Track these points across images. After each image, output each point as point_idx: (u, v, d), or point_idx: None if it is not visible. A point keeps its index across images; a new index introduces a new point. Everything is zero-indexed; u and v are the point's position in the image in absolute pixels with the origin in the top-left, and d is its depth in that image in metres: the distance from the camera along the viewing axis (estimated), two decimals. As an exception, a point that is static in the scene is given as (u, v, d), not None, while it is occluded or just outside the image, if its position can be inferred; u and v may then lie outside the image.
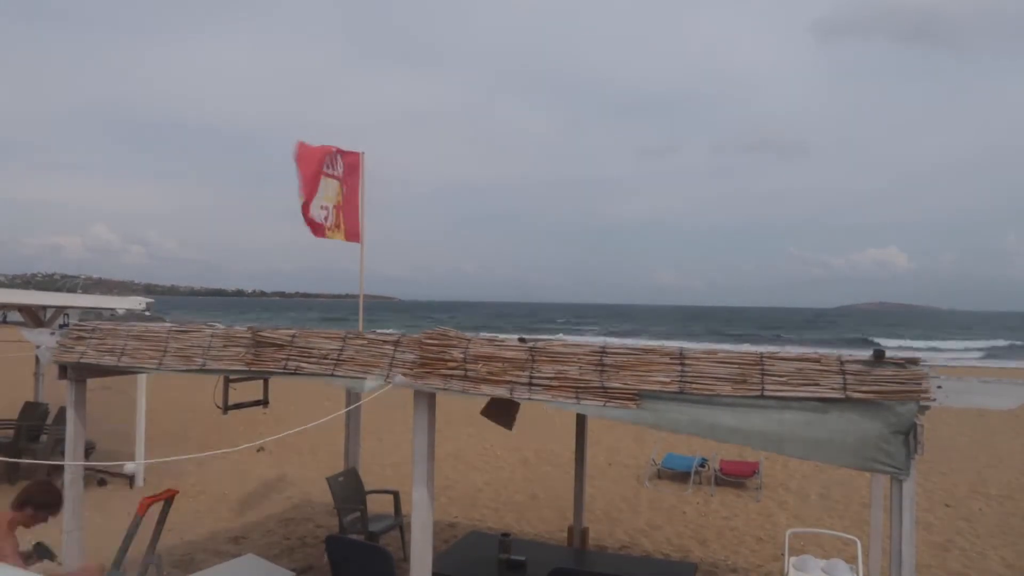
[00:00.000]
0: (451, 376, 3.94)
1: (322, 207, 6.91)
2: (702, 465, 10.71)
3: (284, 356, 4.41)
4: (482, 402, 4.24)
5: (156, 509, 5.35)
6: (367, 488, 7.40)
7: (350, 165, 7.27)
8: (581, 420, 6.97)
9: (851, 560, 6.06)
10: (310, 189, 6.77)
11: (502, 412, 5.37)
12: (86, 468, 6.42)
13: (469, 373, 3.90)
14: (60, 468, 5.26)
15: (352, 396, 7.23)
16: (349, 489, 7.08)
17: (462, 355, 3.94)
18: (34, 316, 9.63)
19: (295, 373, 4.35)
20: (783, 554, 6.51)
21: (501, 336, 4.10)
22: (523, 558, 5.72)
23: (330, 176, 7.03)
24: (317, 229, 6.89)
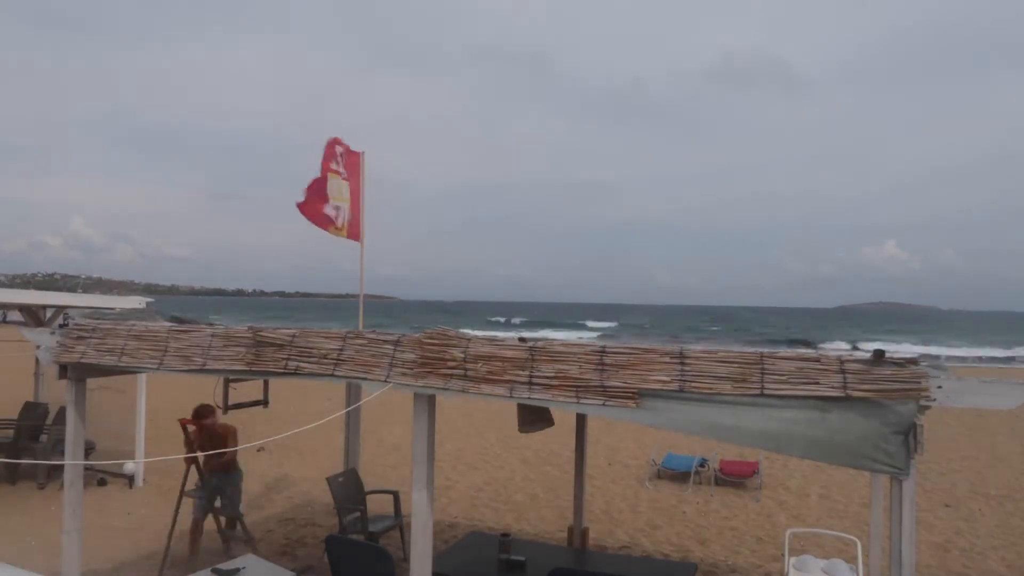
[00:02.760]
0: (451, 376, 3.94)
1: (336, 206, 6.91)
2: (702, 465, 10.71)
3: (284, 356, 4.41)
4: (482, 403, 4.25)
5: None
6: (367, 488, 7.39)
7: (352, 164, 7.27)
8: (581, 420, 6.97)
9: (851, 560, 6.06)
10: (324, 186, 6.79)
11: (537, 416, 5.38)
12: (86, 468, 6.43)
13: (469, 373, 3.90)
14: (60, 468, 5.26)
15: (352, 396, 7.23)
16: (349, 489, 7.08)
17: (462, 355, 3.94)
18: (34, 316, 9.63)
19: (295, 373, 4.34)
20: (783, 554, 6.51)
21: (500, 335, 4.09)
22: (523, 558, 5.72)
23: (338, 173, 7.02)
24: (327, 222, 6.86)
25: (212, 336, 4.68)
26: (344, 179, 7.07)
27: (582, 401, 3.66)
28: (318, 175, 6.78)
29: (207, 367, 4.63)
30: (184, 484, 6.66)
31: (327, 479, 7.01)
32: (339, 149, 7.00)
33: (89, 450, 9.35)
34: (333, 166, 6.92)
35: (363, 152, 7.32)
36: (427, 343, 4.04)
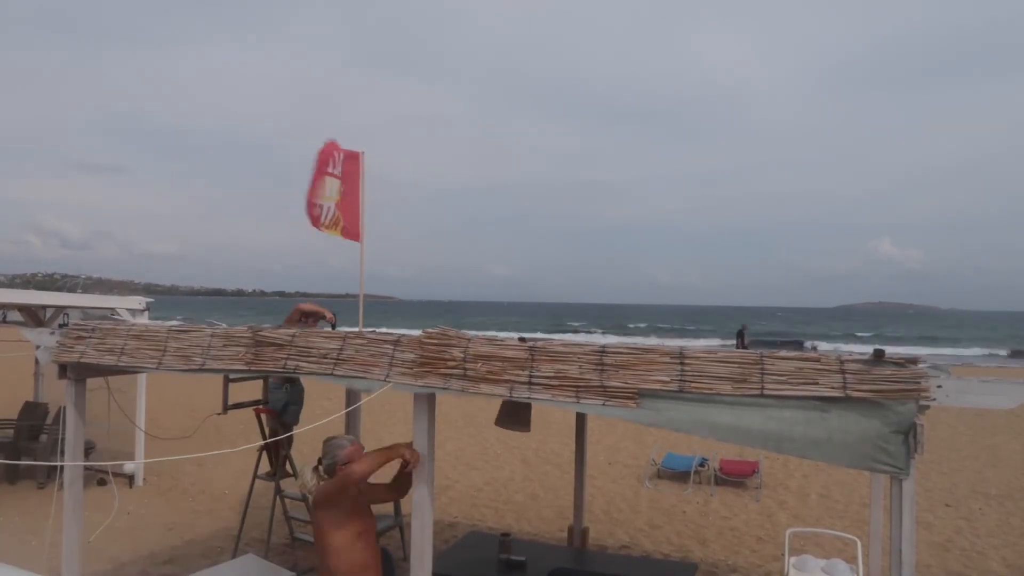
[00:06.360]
0: (451, 375, 3.94)
1: (320, 203, 6.93)
2: (702, 465, 10.71)
3: (284, 356, 4.41)
4: (482, 403, 4.26)
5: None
6: (367, 488, 7.39)
7: (350, 163, 7.27)
8: (581, 419, 6.97)
9: (851, 560, 6.06)
10: (317, 185, 6.84)
11: (515, 417, 5.39)
12: (86, 468, 6.43)
13: (469, 372, 3.90)
14: (59, 468, 5.26)
15: (352, 396, 7.22)
16: (349, 489, 7.08)
17: (462, 354, 3.93)
18: (34, 316, 9.64)
19: (295, 373, 4.35)
20: (783, 554, 6.51)
21: (501, 335, 4.09)
22: (523, 558, 5.72)
23: (332, 175, 7.03)
24: (314, 221, 6.92)
25: (212, 336, 4.68)
26: (337, 178, 7.09)
27: (582, 401, 3.66)
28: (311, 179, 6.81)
29: (207, 367, 4.63)
30: (257, 467, 6.93)
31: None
32: (337, 154, 7.02)
33: (89, 450, 9.35)
34: (329, 169, 6.94)
35: (363, 152, 7.33)
36: (427, 343, 4.04)
